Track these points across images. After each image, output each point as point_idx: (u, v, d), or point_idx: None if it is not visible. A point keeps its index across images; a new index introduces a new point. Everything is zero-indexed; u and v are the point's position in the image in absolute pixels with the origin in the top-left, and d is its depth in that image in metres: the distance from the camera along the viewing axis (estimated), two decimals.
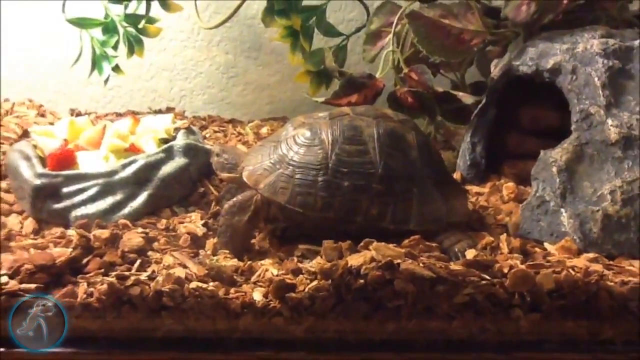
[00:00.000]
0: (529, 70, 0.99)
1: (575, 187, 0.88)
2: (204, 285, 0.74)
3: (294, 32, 1.41)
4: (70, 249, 0.80)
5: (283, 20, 1.38)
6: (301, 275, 0.76)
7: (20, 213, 0.96)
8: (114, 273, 0.76)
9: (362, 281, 0.73)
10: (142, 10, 1.37)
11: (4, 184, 1.02)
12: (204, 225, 0.93)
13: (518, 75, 1.03)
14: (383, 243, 0.77)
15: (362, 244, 0.78)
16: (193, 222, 0.94)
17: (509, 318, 0.75)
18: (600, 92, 0.90)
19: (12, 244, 0.86)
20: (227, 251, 0.85)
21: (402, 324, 0.75)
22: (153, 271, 0.77)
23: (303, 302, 0.73)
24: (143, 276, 0.75)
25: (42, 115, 1.41)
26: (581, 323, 0.76)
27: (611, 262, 0.81)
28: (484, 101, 1.12)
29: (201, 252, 0.86)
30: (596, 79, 0.90)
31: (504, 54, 1.15)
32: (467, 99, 1.15)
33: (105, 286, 0.72)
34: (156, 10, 1.35)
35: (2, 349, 0.71)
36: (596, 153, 0.88)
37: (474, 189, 1.12)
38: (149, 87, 1.66)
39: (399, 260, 0.74)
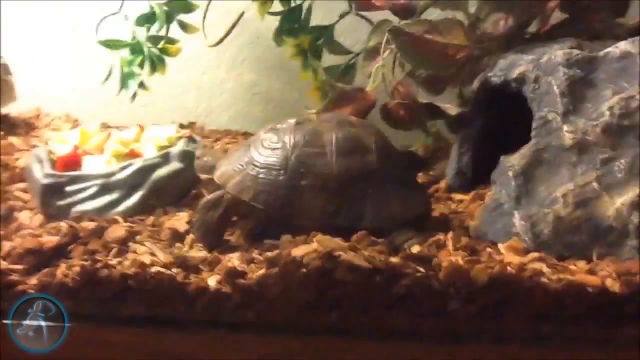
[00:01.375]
0: (499, 81, 1.03)
1: (531, 190, 0.91)
2: (164, 270, 0.82)
3: (303, 50, 1.50)
4: (58, 237, 0.90)
5: (291, 40, 1.47)
6: (252, 264, 0.82)
7: (32, 209, 1.08)
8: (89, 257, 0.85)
9: (304, 270, 0.79)
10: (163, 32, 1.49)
11: (23, 185, 1.14)
12: (188, 222, 1.02)
13: (492, 86, 1.06)
14: (327, 236, 0.83)
15: (309, 237, 0.84)
16: (178, 219, 1.03)
17: (446, 310, 0.79)
18: (559, 99, 0.93)
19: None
20: (201, 244, 0.93)
21: (344, 313, 0.80)
22: (126, 258, 0.86)
23: (252, 288, 0.80)
24: (113, 261, 0.84)
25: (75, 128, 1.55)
26: (518, 318, 0.79)
27: (556, 262, 0.83)
28: (468, 112, 1.17)
29: (177, 244, 0.94)
30: (555, 87, 0.93)
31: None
32: (451, 110, 1.19)
33: (78, 268, 0.82)
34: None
35: None
36: (552, 158, 0.91)
37: (457, 196, 1.16)
38: (178, 104, 1.78)
39: (339, 252, 0.79)
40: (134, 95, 1.50)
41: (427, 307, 0.79)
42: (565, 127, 0.91)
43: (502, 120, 1.15)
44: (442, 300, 0.79)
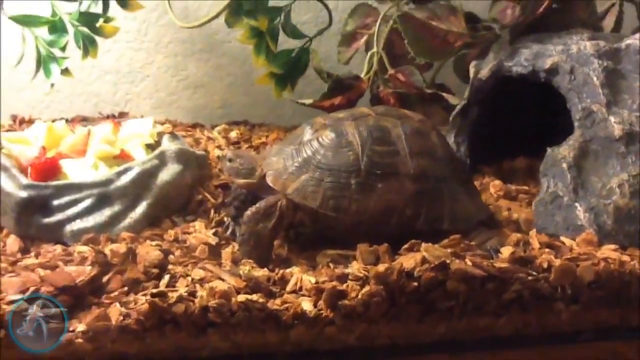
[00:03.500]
0: (525, 71, 1.02)
1: (584, 182, 0.91)
2: (253, 298, 0.69)
3: (259, 33, 1.37)
4: (88, 267, 0.71)
5: (250, 21, 1.33)
6: (350, 282, 0.72)
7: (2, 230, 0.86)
8: (146, 291, 0.69)
9: (415, 283, 0.71)
10: (95, 9, 1.28)
11: None
12: (214, 234, 0.88)
13: (508, 75, 1.05)
14: (430, 244, 0.76)
15: (406, 245, 0.76)
16: (201, 231, 0.88)
17: (552, 311, 0.76)
18: (600, 90, 0.94)
19: (3, 264, 0.76)
20: (251, 260, 0.80)
21: (453, 324, 0.74)
22: (193, 288, 0.71)
23: (356, 308, 0.70)
24: (183, 292, 0.68)
25: None
26: (615, 311, 0.78)
27: (630, 253, 0.84)
28: (464, 102, 1.14)
29: (222, 262, 0.80)
30: (595, 78, 0.94)
31: (480, 56, 1.17)
32: (453, 100, 1.16)
33: (145, 305, 0.65)
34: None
35: None
36: (600, 149, 0.92)
37: None
38: (90, 91, 1.55)
39: (449, 261, 0.72)
40: (53, 82, 1.28)
41: (535, 309, 0.75)
42: (612, 119, 0.92)
43: (497, 108, 1.15)
44: (550, 301, 0.75)
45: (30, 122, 1.36)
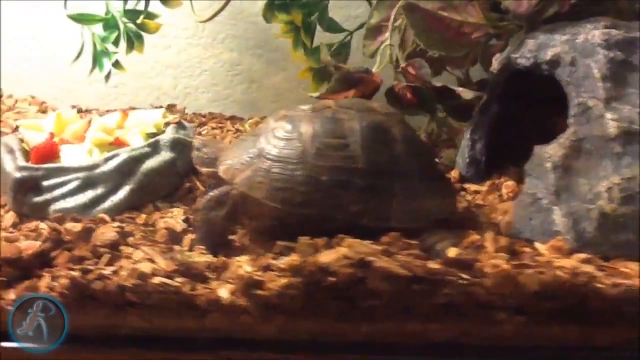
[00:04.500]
0: (528, 63, 0.94)
1: (571, 184, 0.83)
2: (169, 281, 0.71)
3: (296, 27, 1.39)
4: (39, 242, 0.77)
5: (283, 16, 1.36)
6: (271, 272, 0.72)
7: (3, 207, 0.95)
8: (78, 267, 0.73)
9: (333, 279, 0.69)
10: (142, 6, 1.36)
11: None
12: (185, 220, 0.91)
13: (517, 68, 0.98)
14: (358, 239, 0.73)
15: (335, 239, 0.74)
16: (174, 217, 0.92)
17: (492, 321, 0.70)
18: (600, 84, 0.84)
19: None
20: (203, 247, 0.82)
21: (378, 326, 0.70)
22: (121, 266, 0.74)
23: (271, 300, 0.70)
24: (107, 270, 0.72)
25: (44, 112, 1.41)
26: (571, 328, 0.71)
27: (605, 264, 0.75)
28: (485, 97, 1.08)
29: (176, 247, 0.83)
30: (596, 70, 0.85)
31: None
32: (466, 94, 1.10)
33: (67, 280, 0.70)
34: (158, 7, 1.34)
35: None
36: (594, 149, 0.83)
37: (472, 187, 1.07)
38: (153, 84, 1.66)
39: (372, 258, 0.69)
40: (108, 75, 1.38)
41: (472, 318, 0.70)
42: (608, 115, 0.82)
43: (517, 105, 1.07)
44: (487, 310, 0.70)
45: (87, 112, 1.48)
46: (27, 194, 0.92)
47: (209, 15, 1.56)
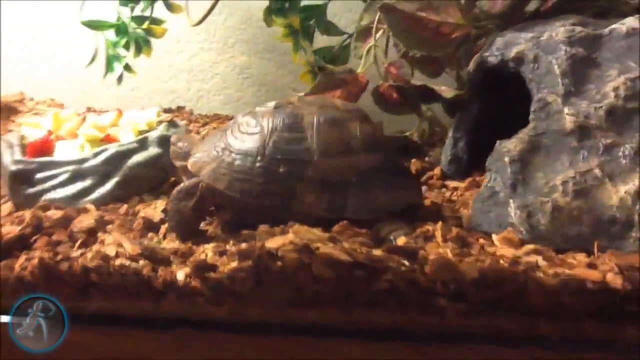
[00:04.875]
0: (496, 61, 0.96)
1: (528, 178, 0.84)
2: (128, 263, 0.76)
3: (295, 31, 1.43)
4: (19, 227, 0.84)
5: (281, 20, 1.40)
6: (224, 256, 0.76)
7: (2, 197, 1.02)
8: (53, 250, 0.79)
9: (279, 263, 0.73)
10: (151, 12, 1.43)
11: None
12: (164, 211, 0.96)
13: (489, 67, 0.99)
14: (306, 227, 0.77)
15: (285, 227, 0.78)
16: (154, 208, 0.97)
17: (434, 308, 0.72)
18: (560, 80, 0.86)
19: None
20: (175, 235, 0.87)
21: (323, 310, 0.74)
22: (90, 249, 0.80)
23: (223, 282, 0.74)
24: (76, 253, 0.78)
25: None
26: (511, 316, 0.72)
27: (554, 255, 0.76)
28: (462, 95, 1.10)
29: (150, 235, 0.88)
30: (556, 67, 0.87)
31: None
32: (447, 92, 1.12)
33: (36, 261, 0.76)
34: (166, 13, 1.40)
35: None
36: (552, 143, 0.84)
37: (452, 184, 1.09)
38: (167, 87, 1.73)
39: (317, 244, 0.73)
40: (120, 78, 1.45)
41: (412, 304, 0.72)
42: (566, 110, 0.84)
43: (500, 103, 1.08)
44: (428, 297, 0.72)
45: (101, 112, 1.56)
46: (22, 185, 0.99)
47: (227, 21, 1.64)
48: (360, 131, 0.86)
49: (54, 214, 0.88)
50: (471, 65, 1.05)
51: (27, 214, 0.88)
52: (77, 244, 0.82)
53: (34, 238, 0.84)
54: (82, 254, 0.78)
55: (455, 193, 1.06)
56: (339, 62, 1.43)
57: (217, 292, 0.74)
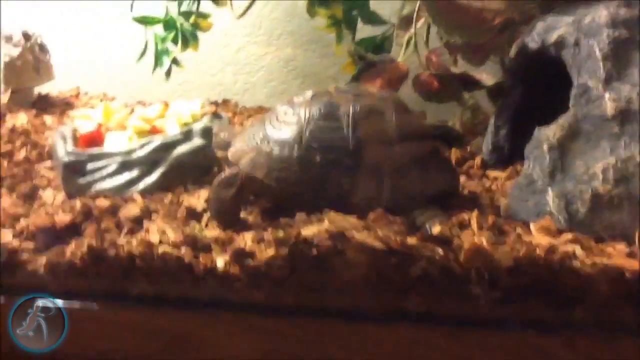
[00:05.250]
0: (536, 46, 0.95)
1: (567, 165, 0.83)
2: (171, 250, 0.79)
3: (338, 21, 1.44)
4: (71, 215, 0.88)
5: (324, 11, 1.41)
6: (262, 244, 0.78)
7: (56, 188, 1.08)
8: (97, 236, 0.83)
9: (315, 251, 0.74)
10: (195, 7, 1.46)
11: (49, 163, 1.14)
12: (206, 201, 0.99)
13: (529, 52, 0.98)
14: (341, 214, 0.78)
15: (321, 215, 0.79)
16: (197, 198, 1.00)
17: (468, 295, 0.73)
18: (601, 64, 0.84)
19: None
20: (217, 223, 0.89)
21: (356, 296, 0.75)
22: (135, 236, 0.83)
23: (260, 269, 0.76)
24: (122, 240, 0.81)
25: None
26: (547, 304, 0.72)
27: (592, 245, 0.75)
28: (503, 82, 1.09)
29: (192, 223, 0.91)
30: (597, 50, 0.85)
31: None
32: (488, 80, 1.11)
33: (85, 248, 0.80)
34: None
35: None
36: (592, 129, 0.82)
37: (493, 173, 1.09)
38: (215, 81, 1.77)
39: (351, 231, 0.74)
40: (169, 72, 1.49)
41: (446, 291, 0.73)
42: (607, 95, 0.82)
43: (542, 89, 1.07)
44: (462, 284, 0.72)
45: (150, 104, 1.61)
46: (74, 175, 1.04)
47: (273, 12, 1.66)
48: (396, 119, 0.86)
49: (103, 203, 0.92)
50: (512, 51, 1.04)
51: (78, 203, 0.92)
52: (123, 232, 0.86)
53: (84, 226, 0.88)
54: (128, 241, 0.81)
55: (495, 182, 1.05)
56: (382, 51, 1.42)
57: (254, 278, 0.77)
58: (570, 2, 1.01)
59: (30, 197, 1.03)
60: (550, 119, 1.05)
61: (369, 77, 1.18)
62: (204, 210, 0.96)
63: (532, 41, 0.95)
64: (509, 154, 1.10)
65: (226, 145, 0.95)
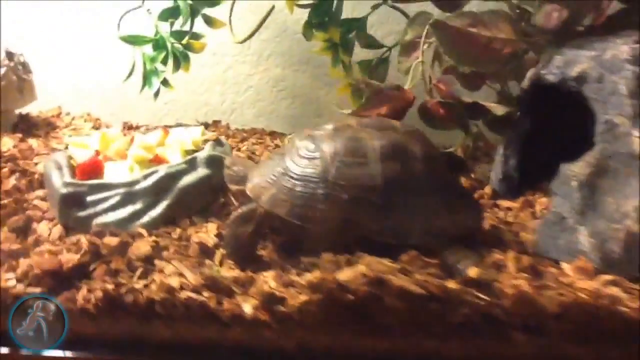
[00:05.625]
0: (555, 79, 0.94)
1: (596, 203, 0.82)
2: (195, 296, 0.74)
3: (334, 45, 1.41)
4: (78, 255, 0.82)
5: (321, 34, 1.38)
6: (292, 289, 0.75)
7: (51, 220, 1.01)
8: (113, 279, 0.78)
9: (351, 296, 0.71)
10: (187, 27, 1.41)
11: (41, 193, 1.07)
12: (217, 235, 0.94)
13: (546, 84, 0.97)
14: (375, 257, 0.75)
15: (354, 257, 0.76)
16: (207, 232, 0.95)
17: (510, 342, 0.70)
18: (628, 101, 0.83)
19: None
20: (232, 262, 0.85)
21: (395, 343, 0.72)
22: (152, 280, 0.78)
23: (292, 316, 0.72)
24: (139, 284, 0.76)
25: (97, 128, 1.49)
26: (592, 351, 0.70)
27: (632, 286, 0.74)
28: (514, 112, 1.08)
29: (207, 262, 0.87)
30: (623, 87, 0.84)
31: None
32: (498, 109, 1.10)
33: (100, 292, 0.74)
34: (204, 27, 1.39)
35: (5, 349, 0.75)
36: (621, 167, 0.82)
37: (504, 203, 1.07)
38: (202, 100, 1.72)
39: (389, 276, 0.71)
40: (157, 93, 1.44)
41: (488, 336, 0.70)
42: (635, 132, 0.81)
43: (551, 120, 1.06)
44: (505, 329, 0.70)
45: (136, 128, 1.55)
46: (72, 208, 0.98)
47: (262, 34, 1.62)
48: (422, 153, 0.84)
49: (111, 240, 0.86)
50: (525, 82, 1.03)
51: (84, 241, 0.86)
52: (137, 274, 0.81)
53: (92, 266, 0.82)
54: (145, 286, 0.76)
55: (509, 213, 1.04)
56: (377, 75, 1.41)
57: (285, 325, 0.73)
58: (581, 35, 1.01)
59: (24, 231, 0.97)
60: (560, 149, 1.05)
61: (376, 104, 1.15)
62: (216, 246, 0.91)
63: (550, 74, 0.94)
64: (519, 183, 1.09)
65: (240, 179, 0.91)
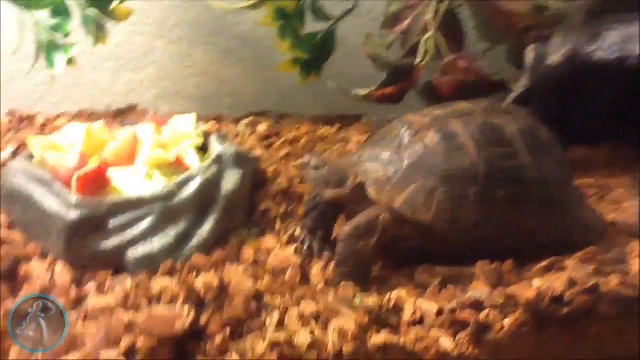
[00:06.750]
0: (611, 57, 0.93)
1: None
2: (387, 338, 0.58)
3: (285, 15, 1.25)
4: (185, 310, 0.58)
5: (277, 2, 1.22)
6: (488, 310, 0.62)
7: (41, 256, 0.71)
8: (255, 334, 0.57)
9: (566, 309, 0.61)
10: None
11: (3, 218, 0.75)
12: (296, 251, 0.76)
13: (588, 61, 0.96)
14: (575, 262, 0.66)
15: (545, 263, 0.67)
16: (277, 249, 0.76)
17: None
18: None
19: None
20: (351, 282, 0.68)
21: (605, 351, 0.65)
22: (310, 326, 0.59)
23: (503, 342, 0.60)
24: (307, 338, 0.57)
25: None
26: None
27: None
28: (522, 89, 1.05)
29: (316, 286, 0.69)
30: None
31: (540, 39, 1.07)
32: (518, 87, 1.07)
33: (271, 355, 0.53)
34: None
35: None
36: None
37: None
38: (88, 80, 1.41)
39: (598, 281, 0.63)
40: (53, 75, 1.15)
41: None
42: None
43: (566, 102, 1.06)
44: None
45: (31, 118, 1.20)
46: (87, 238, 0.70)
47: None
48: (551, 138, 0.76)
49: (211, 280, 0.63)
50: (557, 58, 1.00)
51: (173, 286, 0.62)
52: (272, 321, 0.60)
53: (203, 320, 0.59)
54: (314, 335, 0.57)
55: None
56: (326, 50, 1.29)
57: (495, 354, 0.61)
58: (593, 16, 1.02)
59: (10, 275, 0.67)
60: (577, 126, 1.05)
61: (391, 83, 1.04)
62: (302, 264, 0.74)
63: (602, 50, 0.93)
64: None
65: (336, 182, 0.73)
